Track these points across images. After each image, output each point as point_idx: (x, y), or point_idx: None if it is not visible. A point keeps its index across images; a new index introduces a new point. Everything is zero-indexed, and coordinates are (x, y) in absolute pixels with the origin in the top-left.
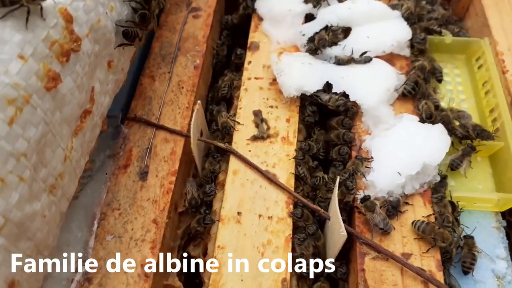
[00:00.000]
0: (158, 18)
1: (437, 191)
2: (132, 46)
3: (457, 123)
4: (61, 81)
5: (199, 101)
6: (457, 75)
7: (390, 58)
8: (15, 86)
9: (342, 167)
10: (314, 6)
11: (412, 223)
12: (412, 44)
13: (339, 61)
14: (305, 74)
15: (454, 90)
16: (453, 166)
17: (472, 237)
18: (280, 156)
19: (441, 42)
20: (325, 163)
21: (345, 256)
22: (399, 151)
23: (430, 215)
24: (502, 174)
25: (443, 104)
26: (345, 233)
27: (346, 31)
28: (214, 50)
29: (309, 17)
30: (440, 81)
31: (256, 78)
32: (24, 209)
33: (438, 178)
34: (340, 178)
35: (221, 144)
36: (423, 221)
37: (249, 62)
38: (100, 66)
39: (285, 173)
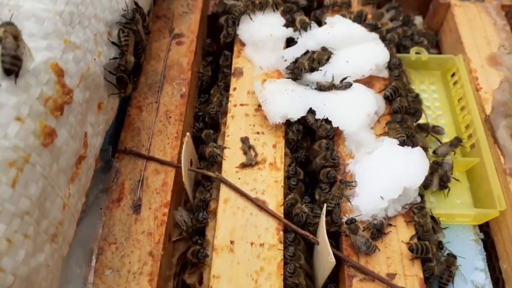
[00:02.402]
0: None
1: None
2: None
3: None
4: (56, 135)
5: (188, 133)
6: (434, 91)
7: (369, 80)
8: (15, 148)
9: (328, 189)
10: (295, 30)
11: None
12: (389, 67)
13: (321, 88)
14: (289, 102)
15: (432, 106)
16: (426, 185)
17: (454, 256)
18: (269, 182)
19: (418, 60)
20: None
21: (334, 277)
22: (381, 176)
23: (414, 235)
24: (478, 189)
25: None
26: (333, 260)
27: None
28: (199, 73)
29: (290, 41)
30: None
31: (241, 105)
32: (30, 264)
33: (419, 199)
34: (328, 206)
35: (211, 173)
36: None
37: (234, 89)
38: (91, 111)
39: (274, 199)
